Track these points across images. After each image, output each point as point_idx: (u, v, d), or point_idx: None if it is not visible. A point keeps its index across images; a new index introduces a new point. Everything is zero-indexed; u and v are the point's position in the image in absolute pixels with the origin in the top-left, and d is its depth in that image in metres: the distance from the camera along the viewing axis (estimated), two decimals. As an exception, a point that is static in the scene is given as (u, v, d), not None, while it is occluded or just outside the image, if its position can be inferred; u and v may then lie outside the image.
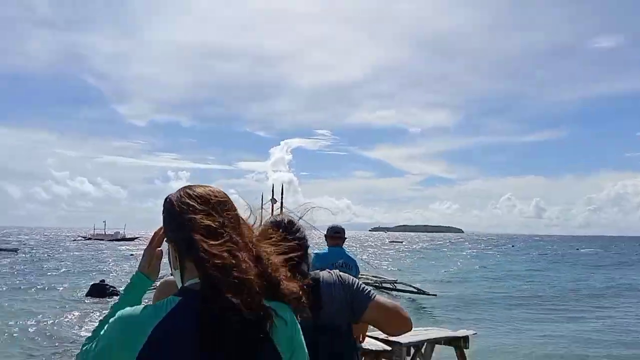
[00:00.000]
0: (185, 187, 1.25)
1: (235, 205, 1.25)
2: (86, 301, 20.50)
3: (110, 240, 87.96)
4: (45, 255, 51.37)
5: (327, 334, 1.78)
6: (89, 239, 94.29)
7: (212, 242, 1.10)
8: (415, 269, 38.54)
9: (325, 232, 5.17)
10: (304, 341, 1.20)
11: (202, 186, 1.25)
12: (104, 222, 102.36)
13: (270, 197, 30.34)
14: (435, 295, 21.53)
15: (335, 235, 5.19)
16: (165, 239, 1.28)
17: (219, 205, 1.19)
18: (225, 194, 1.25)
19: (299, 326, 1.20)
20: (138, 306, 1.12)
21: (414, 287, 22.89)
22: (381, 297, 1.92)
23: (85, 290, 22.15)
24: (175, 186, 1.57)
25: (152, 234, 1.39)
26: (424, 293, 22.00)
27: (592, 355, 12.67)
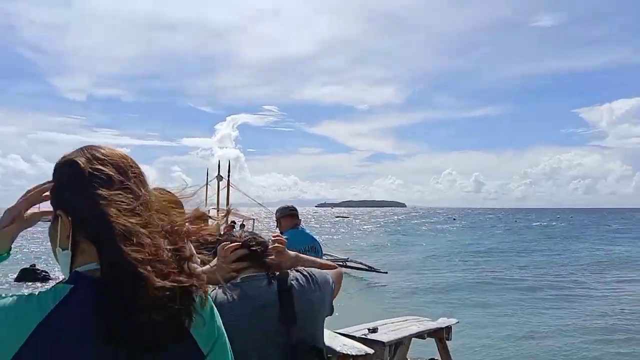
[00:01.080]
0: (89, 148, 1.01)
1: (145, 174, 1.02)
2: (14, 286, 19.05)
3: (46, 221, 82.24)
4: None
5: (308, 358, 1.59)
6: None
7: (131, 221, 0.89)
8: (365, 247, 38.09)
9: (276, 213, 4.74)
10: (225, 336, 1.04)
11: (109, 147, 1.02)
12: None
13: (217, 174, 29.24)
14: (386, 272, 21.13)
15: (292, 214, 4.67)
16: (51, 204, 0.99)
17: (135, 175, 0.98)
18: (134, 161, 1.02)
19: (218, 315, 1.03)
20: (14, 295, 0.87)
21: (365, 265, 22.40)
22: (328, 271, 1.83)
23: (14, 275, 20.50)
24: None
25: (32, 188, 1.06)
26: (375, 270, 21.53)
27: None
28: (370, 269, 21.79)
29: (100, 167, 0.95)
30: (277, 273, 1.68)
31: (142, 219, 0.91)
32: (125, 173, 0.97)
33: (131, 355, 0.86)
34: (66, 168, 0.97)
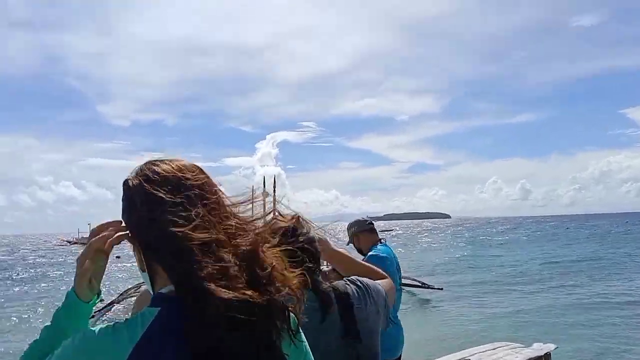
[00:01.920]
0: (147, 164, 0.98)
1: (215, 182, 0.99)
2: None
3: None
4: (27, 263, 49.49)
5: None
6: (74, 243, 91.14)
7: (188, 239, 0.86)
8: (414, 260, 36.57)
9: (350, 227, 3.96)
10: (311, 354, 1.04)
11: (169, 161, 0.98)
12: (89, 224, 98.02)
13: (262, 191, 28.86)
14: (441, 289, 19.86)
15: (372, 228, 3.93)
16: (123, 236, 0.97)
17: (195, 188, 0.94)
18: (201, 169, 1.00)
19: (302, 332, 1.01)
20: (99, 327, 0.86)
21: (418, 281, 21.25)
22: (381, 282, 1.71)
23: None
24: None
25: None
26: (429, 287, 20.36)
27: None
28: (424, 285, 20.69)
29: (151, 187, 0.91)
30: (333, 285, 1.55)
31: (203, 233, 0.87)
32: (178, 188, 0.92)
33: None
34: (124, 190, 0.97)
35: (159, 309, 0.87)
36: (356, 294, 1.54)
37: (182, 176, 0.94)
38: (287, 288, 0.92)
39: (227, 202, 0.98)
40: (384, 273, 1.81)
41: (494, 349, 5.50)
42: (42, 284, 29.73)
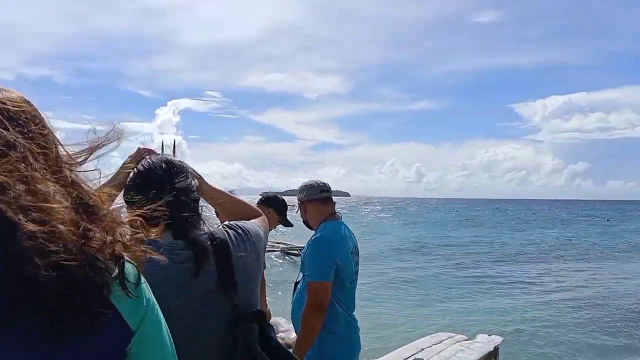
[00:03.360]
0: None
1: (41, 117, 0.84)
2: None
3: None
4: None
5: (249, 324, 1.42)
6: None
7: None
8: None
9: (299, 193, 3.13)
10: (158, 307, 0.84)
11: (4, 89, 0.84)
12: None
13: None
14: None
15: (326, 197, 3.07)
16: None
17: (10, 119, 0.79)
18: (26, 101, 0.84)
19: (145, 282, 0.83)
20: None
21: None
22: (256, 221, 1.66)
23: None
24: None
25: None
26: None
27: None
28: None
29: None
30: (211, 231, 1.44)
31: (9, 165, 0.71)
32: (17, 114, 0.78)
33: (44, 329, 0.66)
34: None
35: None
36: (235, 241, 1.47)
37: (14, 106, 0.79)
38: (122, 231, 0.78)
39: (61, 150, 0.81)
40: (259, 210, 1.76)
41: (440, 341, 4.89)
42: None
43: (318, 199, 3.01)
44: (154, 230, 0.89)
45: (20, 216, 0.65)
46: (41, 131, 0.80)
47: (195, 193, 1.48)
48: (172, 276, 1.32)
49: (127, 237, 0.80)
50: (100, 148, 0.87)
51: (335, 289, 2.81)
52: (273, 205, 3.55)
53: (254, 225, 1.60)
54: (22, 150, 0.73)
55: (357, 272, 2.99)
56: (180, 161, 1.51)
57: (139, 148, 1.52)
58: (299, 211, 3.13)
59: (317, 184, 3.07)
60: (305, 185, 3.08)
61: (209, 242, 1.41)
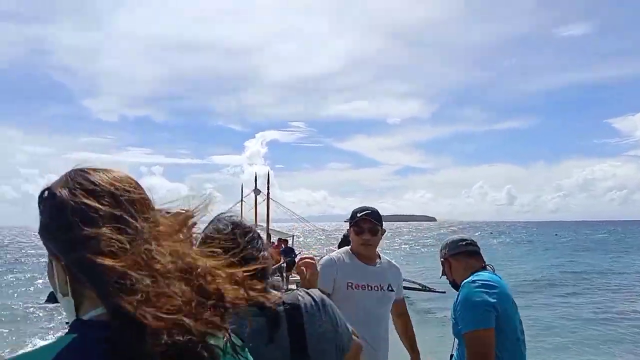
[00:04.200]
0: (77, 172, 0.85)
1: (149, 196, 0.88)
2: (44, 308, 18.60)
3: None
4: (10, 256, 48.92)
5: None
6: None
7: (123, 263, 0.75)
8: (407, 262, 35.59)
9: (446, 250, 2.79)
10: None
11: (103, 171, 0.86)
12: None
13: (254, 188, 27.91)
14: (444, 292, 19.04)
15: (472, 250, 2.72)
16: (49, 251, 0.85)
17: (132, 202, 0.83)
18: (136, 182, 0.88)
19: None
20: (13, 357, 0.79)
21: (418, 284, 20.31)
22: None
23: (44, 297, 20.05)
24: (149, 183, 0.95)
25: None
26: (430, 290, 19.48)
27: None
28: (425, 288, 19.73)
29: (85, 200, 0.79)
30: (285, 297, 1.41)
31: (139, 257, 0.77)
32: (118, 202, 0.81)
33: None
34: (46, 201, 0.83)
35: (75, 335, 0.78)
36: (309, 307, 1.42)
37: (120, 186, 0.83)
38: (227, 305, 0.83)
39: (166, 221, 0.86)
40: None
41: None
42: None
43: (464, 252, 2.68)
44: (258, 287, 0.93)
45: (148, 316, 0.72)
46: (141, 206, 0.84)
47: (265, 253, 1.41)
48: (248, 343, 1.28)
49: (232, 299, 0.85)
50: (195, 217, 0.90)
51: (499, 346, 2.30)
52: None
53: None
54: (145, 236, 0.78)
55: (522, 331, 2.51)
56: (250, 224, 1.46)
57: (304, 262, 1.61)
58: (442, 270, 2.81)
59: (462, 238, 2.75)
60: (448, 241, 2.78)
61: (281, 308, 1.36)
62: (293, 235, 25.94)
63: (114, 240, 0.75)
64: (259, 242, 1.43)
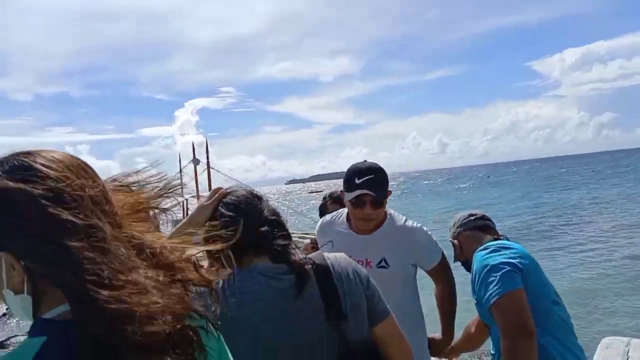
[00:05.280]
0: (16, 157, 0.77)
1: (105, 186, 0.82)
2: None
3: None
4: None
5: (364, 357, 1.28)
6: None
7: (89, 254, 0.71)
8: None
9: (455, 227, 2.37)
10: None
11: (44, 155, 0.78)
12: None
13: (192, 158, 27.88)
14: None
15: (485, 225, 2.32)
16: (1, 249, 0.75)
17: (94, 201, 0.78)
18: (91, 169, 0.82)
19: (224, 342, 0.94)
20: None
21: None
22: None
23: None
24: None
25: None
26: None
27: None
28: None
29: (52, 209, 0.71)
30: (310, 256, 1.37)
31: (113, 260, 0.73)
32: (85, 206, 0.75)
33: None
34: (3, 201, 0.72)
35: (44, 339, 0.73)
36: (337, 266, 1.36)
37: (81, 184, 0.77)
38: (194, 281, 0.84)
39: (126, 199, 0.86)
40: (408, 345, 1.47)
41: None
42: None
43: (475, 227, 2.28)
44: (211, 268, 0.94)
45: (120, 305, 0.69)
46: (100, 189, 0.80)
47: (282, 217, 1.41)
48: (273, 302, 1.26)
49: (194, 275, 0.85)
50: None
51: (535, 312, 1.84)
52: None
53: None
54: (99, 224, 0.75)
55: (557, 293, 2.08)
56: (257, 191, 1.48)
57: (218, 189, 1.48)
58: (454, 252, 2.36)
59: (471, 213, 2.36)
60: (456, 219, 2.38)
61: (310, 266, 1.32)
62: None
63: (80, 225, 0.72)
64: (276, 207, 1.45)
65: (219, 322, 0.90)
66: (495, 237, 2.21)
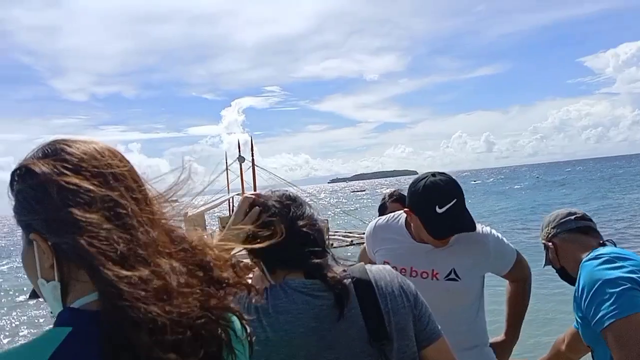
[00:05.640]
0: (55, 144, 0.77)
1: (135, 169, 0.80)
2: (28, 305, 16.86)
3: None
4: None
5: None
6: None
7: (121, 246, 0.69)
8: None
9: (549, 229, 2.00)
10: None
11: (83, 142, 0.78)
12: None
13: (238, 156, 28.24)
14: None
15: (591, 227, 1.96)
16: (30, 229, 0.74)
17: (120, 179, 0.76)
18: (120, 154, 0.80)
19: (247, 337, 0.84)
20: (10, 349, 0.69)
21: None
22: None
23: (28, 292, 18.84)
24: (129, 159, 0.82)
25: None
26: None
27: None
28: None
29: (72, 179, 0.71)
30: (350, 270, 1.23)
31: (134, 238, 0.71)
32: (106, 180, 0.74)
33: None
34: (28, 180, 0.74)
35: (70, 329, 0.69)
36: (380, 281, 1.22)
37: (104, 162, 0.76)
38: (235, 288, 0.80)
39: (154, 193, 0.81)
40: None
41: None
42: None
43: (575, 229, 1.92)
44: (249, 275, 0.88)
45: (147, 304, 0.65)
46: (130, 181, 0.78)
47: (318, 224, 1.26)
48: (312, 323, 1.14)
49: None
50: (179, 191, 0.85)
51: None
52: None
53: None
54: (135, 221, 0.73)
55: None
56: (295, 193, 1.35)
57: (244, 197, 1.33)
58: (546, 255, 2.01)
59: (570, 212, 1.99)
60: (552, 218, 2.01)
61: (349, 281, 1.18)
62: None
63: (105, 224, 0.69)
64: (313, 213, 1.28)
65: (253, 336, 0.85)
66: (601, 242, 1.89)
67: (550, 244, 1.98)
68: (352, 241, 21.75)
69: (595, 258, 1.73)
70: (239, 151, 27.15)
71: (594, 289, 1.63)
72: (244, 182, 26.58)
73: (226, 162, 28.91)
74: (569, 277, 1.93)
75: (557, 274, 2.01)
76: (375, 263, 2.07)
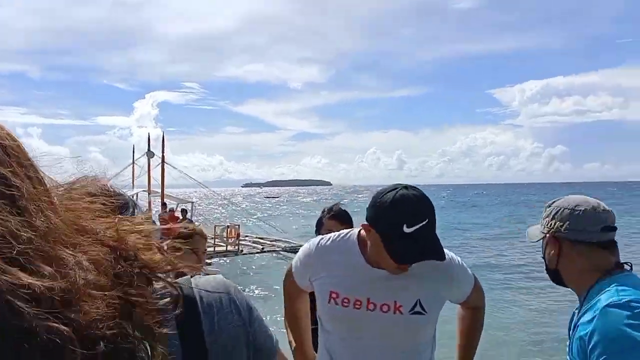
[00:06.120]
0: None
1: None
2: None
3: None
4: None
5: None
6: None
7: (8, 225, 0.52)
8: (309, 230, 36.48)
9: (557, 222, 1.54)
10: None
11: None
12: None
13: (147, 151, 26.68)
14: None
15: (613, 242, 1.53)
16: None
17: (7, 150, 0.61)
18: (7, 128, 0.66)
19: None
20: None
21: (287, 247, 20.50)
22: None
23: None
24: (25, 144, 0.63)
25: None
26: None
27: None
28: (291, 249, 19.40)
29: None
30: (178, 283, 0.94)
31: (31, 226, 0.55)
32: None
33: None
34: None
35: None
36: (206, 296, 1.00)
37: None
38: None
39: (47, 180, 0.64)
40: None
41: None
42: None
43: (596, 242, 1.50)
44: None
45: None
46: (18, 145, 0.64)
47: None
48: None
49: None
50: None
51: None
52: (347, 221, 2.76)
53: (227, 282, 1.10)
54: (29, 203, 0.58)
55: None
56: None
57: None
58: (543, 247, 1.63)
59: (596, 210, 1.51)
60: (567, 206, 1.55)
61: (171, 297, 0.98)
62: (192, 202, 25.09)
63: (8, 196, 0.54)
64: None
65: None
66: (619, 264, 1.51)
67: (554, 239, 1.57)
68: (263, 248, 21.10)
69: (623, 306, 1.35)
70: (149, 146, 25.58)
71: (621, 350, 1.28)
72: (152, 178, 25.09)
73: (133, 156, 27.32)
74: (560, 279, 1.61)
75: (545, 271, 1.66)
76: (308, 292, 1.93)
